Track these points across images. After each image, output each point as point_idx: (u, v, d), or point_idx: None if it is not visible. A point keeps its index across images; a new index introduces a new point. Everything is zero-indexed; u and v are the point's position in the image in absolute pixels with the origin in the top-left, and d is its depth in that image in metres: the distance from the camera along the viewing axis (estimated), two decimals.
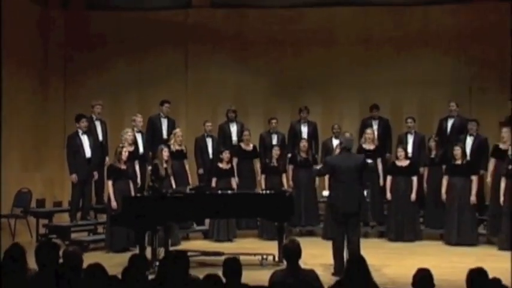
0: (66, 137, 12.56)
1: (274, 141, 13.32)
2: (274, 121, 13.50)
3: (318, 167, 10.30)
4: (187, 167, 12.73)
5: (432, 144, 12.57)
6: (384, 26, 14.62)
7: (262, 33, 14.78)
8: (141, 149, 12.45)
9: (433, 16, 14.50)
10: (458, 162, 12.01)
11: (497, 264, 7.39)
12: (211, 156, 13.04)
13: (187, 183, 12.29)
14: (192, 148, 13.17)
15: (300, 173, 12.89)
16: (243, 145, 13.13)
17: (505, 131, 12.14)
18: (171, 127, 13.16)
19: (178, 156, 12.50)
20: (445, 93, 13.93)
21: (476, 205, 12.11)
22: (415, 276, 5.22)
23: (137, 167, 12.07)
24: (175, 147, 12.48)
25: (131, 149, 11.77)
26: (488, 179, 12.20)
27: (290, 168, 13.00)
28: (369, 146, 12.67)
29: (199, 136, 13.24)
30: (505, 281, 5.07)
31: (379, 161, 12.81)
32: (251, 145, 13.18)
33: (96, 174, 12.39)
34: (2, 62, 11.90)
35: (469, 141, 12.58)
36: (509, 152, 11.56)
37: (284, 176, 12.79)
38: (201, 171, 13.05)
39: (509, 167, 11.47)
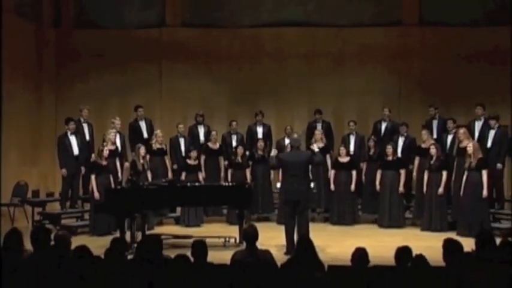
0: (57, 137, 12.48)
1: (234, 140, 13.28)
2: (234, 123, 13.46)
3: (272, 153, 10.30)
4: (167, 162, 12.68)
5: (371, 143, 12.69)
6: (327, 44, 14.67)
7: (224, 49, 14.78)
8: (119, 148, 12.31)
9: (368, 36, 14.57)
10: (390, 158, 12.17)
11: (420, 243, 7.52)
12: (183, 153, 12.95)
13: (167, 175, 12.25)
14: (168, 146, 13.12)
15: (257, 168, 12.89)
16: (210, 144, 13.05)
17: (424, 132, 12.37)
18: (150, 127, 13.11)
19: (159, 153, 12.50)
20: (378, 100, 14.06)
21: (404, 194, 12.30)
22: (353, 254, 5.29)
23: (118, 163, 11.97)
24: (156, 146, 12.46)
25: (113, 147, 11.74)
26: (414, 173, 12.38)
27: (250, 163, 13.00)
28: (318, 145, 12.75)
29: (173, 136, 13.14)
30: (427, 256, 5.14)
31: (328, 156, 12.89)
32: (217, 144, 13.13)
33: (83, 169, 12.27)
34: (2, 74, 11.85)
35: (401, 141, 12.74)
36: (430, 151, 11.77)
37: (248, 170, 12.79)
38: (175, 166, 12.95)
39: (431, 162, 11.68)
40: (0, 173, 11.71)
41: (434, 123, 13.01)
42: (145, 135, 12.96)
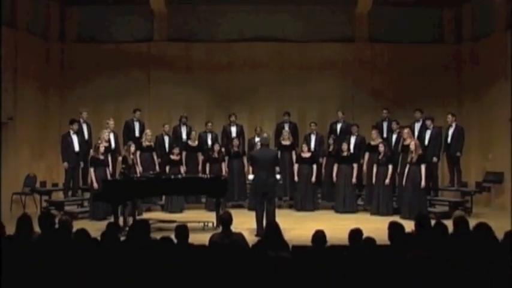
0: (60, 136, 12.40)
1: (209, 139, 13.23)
2: (209, 124, 13.41)
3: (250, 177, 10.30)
4: (155, 157, 12.59)
5: (331, 141, 12.74)
6: (293, 56, 14.70)
7: (204, 60, 14.70)
8: (113, 145, 12.26)
9: (328, 50, 14.65)
10: (345, 154, 12.24)
11: (369, 225, 7.55)
12: (167, 150, 12.87)
13: (154, 169, 12.15)
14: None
15: (233, 162, 12.87)
16: (190, 142, 13.01)
17: (373, 132, 12.49)
18: (142, 128, 13.00)
19: (148, 149, 12.42)
20: (335, 105, 14.08)
21: (356, 184, 12.39)
22: (313, 236, 5.30)
23: (109, 158, 11.86)
24: (145, 143, 12.38)
25: (107, 144, 11.66)
26: (364, 167, 12.48)
27: (226, 158, 12.96)
28: (285, 142, 12.82)
29: (158, 135, 13.07)
30: (375, 236, 5.18)
31: (293, 152, 12.92)
32: (196, 142, 13.07)
33: (82, 163, 12.22)
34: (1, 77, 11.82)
35: (353, 139, 12.81)
36: (379, 148, 11.88)
37: (223, 164, 12.76)
38: (159, 160, 12.88)
39: (379, 157, 11.78)
40: (0, 168, 11.70)
41: (385, 124, 13.11)
42: (137, 134, 12.88)
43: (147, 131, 12.60)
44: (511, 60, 12.47)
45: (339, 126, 13.35)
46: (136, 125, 13.00)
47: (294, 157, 12.81)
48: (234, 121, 13.50)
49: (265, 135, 10.27)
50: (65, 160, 11.99)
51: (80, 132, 12.25)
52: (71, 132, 11.99)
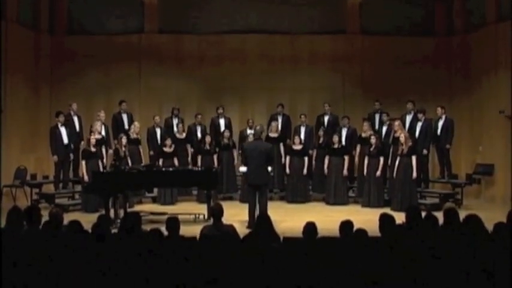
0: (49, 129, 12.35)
1: (198, 131, 13.20)
2: (199, 116, 13.36)
3: (242, 169, 10.24)
4: (141, 150, 12.54)
5: (321, 133, 12.74)
6: (283, 48, 14.68)
7: (194, 52, 14.67)
8: (104, 137, 12.19)
9: (318, 42, 14.64)
10: (336, 146, 12.26)
11: (360, 217, 7.58)
12: (159, 142, 12.85)
13: (141, 162, 12.12)
14: (144, 136, 12.98)
15: (223, 154, 12.84)
16: (178, 134, 12.94)
17: (365, 124, 12.48)
18: (130, 119, 12.92)
19: (135, 142, 12.31)
20: (326, 97, 14.05)
21: (347, 176, 12.40)
22: (304, 227, 5.30)
23: (104, 150, 11.83)
24: (133, 135, 12.31)
25: (99, 136, 11.63)
26: (356, 159, 12.49)
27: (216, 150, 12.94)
28: (273, 135, 12.78)
29: (150, 127, 13.03)
30: (366, 228, 5.19)
31: (281, 145, 12.91)
32: (184, 134, 13.03)
33: (72, 156, 12.20)
34: (1, 74, 11.72)
35: (344, 131, 12.80)
36: (370, 140, 11.90)
37: (215, 156, 12.73)
38: (151, 153, 12.87)
39: (371, 149, 11.80)
40: (0, 161, 11.61)
41: (377, 116, 13.09)
42: (126, 126, 12.81)
43: (136, 123, 12.51)
44: (511, 51, 12.27)
45: (326, 118, 13.31)
46: (125, 117, 12.92)
47: (282, 149, 12.82)
48: (221, 113, 13.43)
49: (258, 127, 10.22)
50: (54, 153, 11.96)
51: (69, 125, 12.20)
52: (59, 124, 11.95)
